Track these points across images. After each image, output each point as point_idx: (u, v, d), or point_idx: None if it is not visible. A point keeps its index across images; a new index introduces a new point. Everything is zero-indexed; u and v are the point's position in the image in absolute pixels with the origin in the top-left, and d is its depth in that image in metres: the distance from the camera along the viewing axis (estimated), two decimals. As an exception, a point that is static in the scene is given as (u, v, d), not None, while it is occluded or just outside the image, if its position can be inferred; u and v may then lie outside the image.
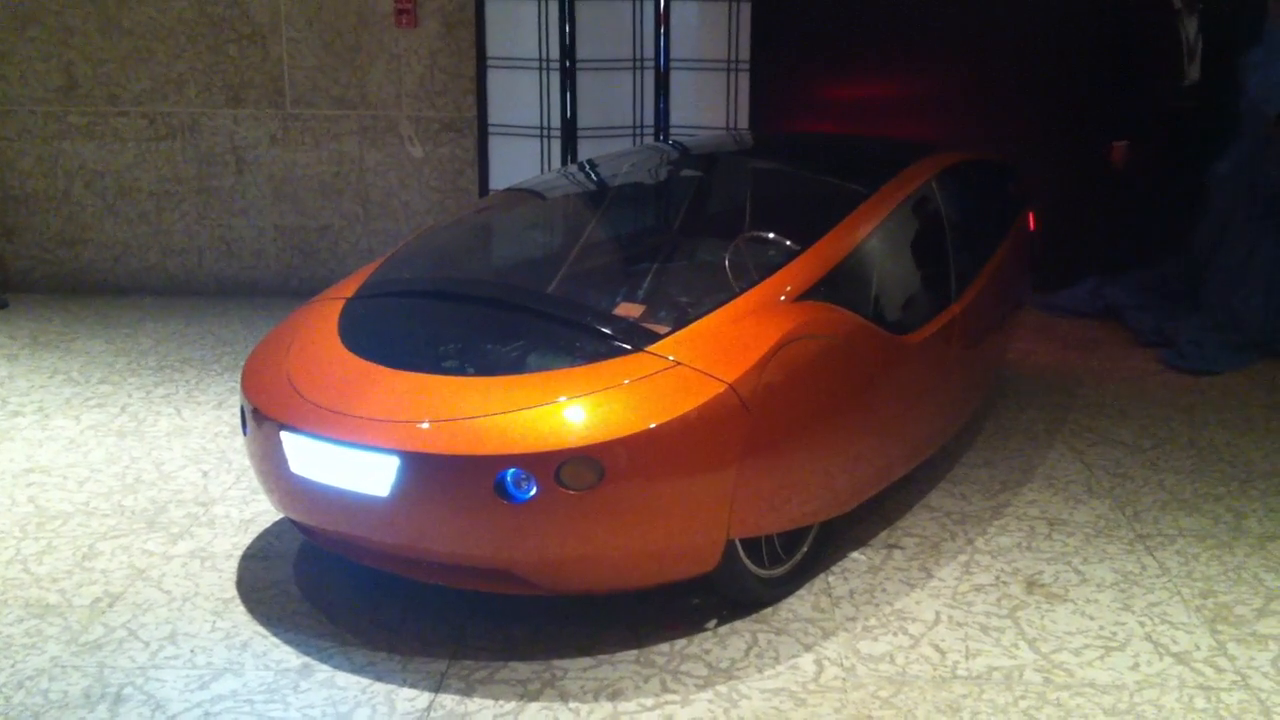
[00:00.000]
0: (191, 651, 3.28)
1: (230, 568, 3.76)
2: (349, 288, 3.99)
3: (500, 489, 3.03)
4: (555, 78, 6.52)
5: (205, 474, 4.51)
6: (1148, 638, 3.34)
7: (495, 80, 6.61)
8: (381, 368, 3.39)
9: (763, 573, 3.49)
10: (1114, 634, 3.36)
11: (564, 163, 6.53)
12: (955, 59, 7.07)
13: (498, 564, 3.17)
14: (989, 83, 7.05)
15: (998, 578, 3.68)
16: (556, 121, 6.57)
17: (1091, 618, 3.45)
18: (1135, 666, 3.20)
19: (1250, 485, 4.42)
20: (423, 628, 3.39)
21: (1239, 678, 3.15)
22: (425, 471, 3.10)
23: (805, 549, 3.64)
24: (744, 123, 6.59)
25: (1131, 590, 3.61)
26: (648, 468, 3.12)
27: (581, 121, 6.57)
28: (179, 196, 7.17)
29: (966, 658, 3.24)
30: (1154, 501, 4.27)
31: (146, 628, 3.40)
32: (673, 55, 6.58)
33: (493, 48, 6.56)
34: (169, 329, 6.46)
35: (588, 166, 5.31)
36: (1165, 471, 4.55)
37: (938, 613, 3.47)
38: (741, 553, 3.38)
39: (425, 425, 3.15)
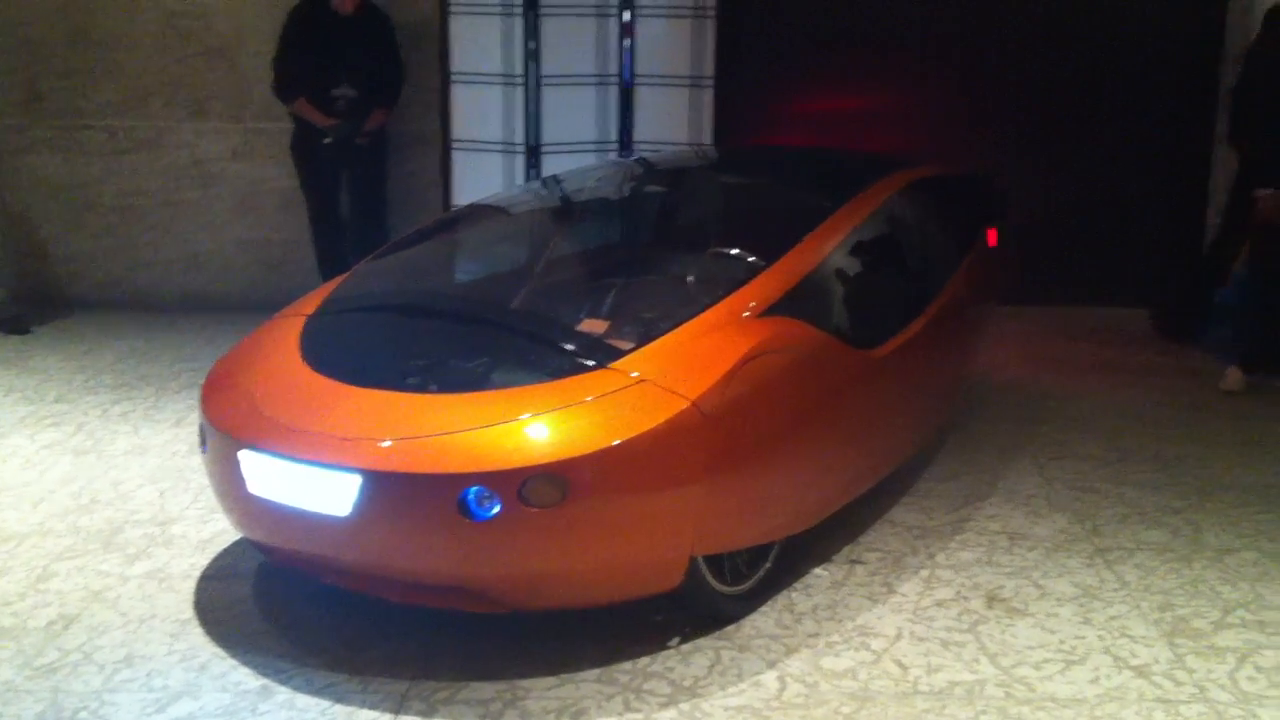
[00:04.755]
0: (148, 674, 3.24)
1: (188, 588, 3.72)
2: (311, 303, 3.97)
3: (463, 507, 3.02)
4: (520, 93, 6.53)
5: (163, 493, 4.46)
6: (1107, 651, 3.36)
7: (460, 96, 6.60)
8: (343, 385, 3.37)
9: (726, 589, 3.49)
10: (1074, 648, 3.38)
11: (528, 178, 6.52)
12: (922, 72, 7.13)
13: (461, 582, 3.15)
14: (959, 95, 7.11)
15: (959, 592, 3.69)
16: (521, 137, 6.57)
17: (1052, 632, 3.46)
18: (1095, 680, 3.22)
19: (1210, 498, 4.46)
20: (385, 647, 3.36)
21: (1197, 690, 3.17)
22: (388, 490, 3.08)
23: (769, 565, 3.65)
24: (709, 138, 6.62)
25: (1091, 604, 3.63)
26: (612, 485, 3.12)
27: (546, 137, 6.57)
28: (143, 210, 7.12)
29: (928, 673, 3.24)
30: (1114, 515, 4.30)
31: (102, 650, 3.36)
32: (638, 71, 6.61)
33: (457, 63, 6.56)
34: (128, 345, 6.40)
35: (553, 182, 5.31)
36: (1126, 485, 4.59)
37: (900, 628, 3.48)
38: (705, 569, 3.38)
39: (387, 443, 3.13)
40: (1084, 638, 3.43)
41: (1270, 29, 5.85)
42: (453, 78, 6.58)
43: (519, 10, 6.45)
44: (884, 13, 7.09)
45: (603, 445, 3.09)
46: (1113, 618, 3.55)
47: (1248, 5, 6.72)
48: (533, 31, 6.45)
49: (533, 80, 6.52)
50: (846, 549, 3.99)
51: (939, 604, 3.62)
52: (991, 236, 5.29)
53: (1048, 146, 7.12)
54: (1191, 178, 7.07)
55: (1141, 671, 3.26)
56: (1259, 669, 3.27)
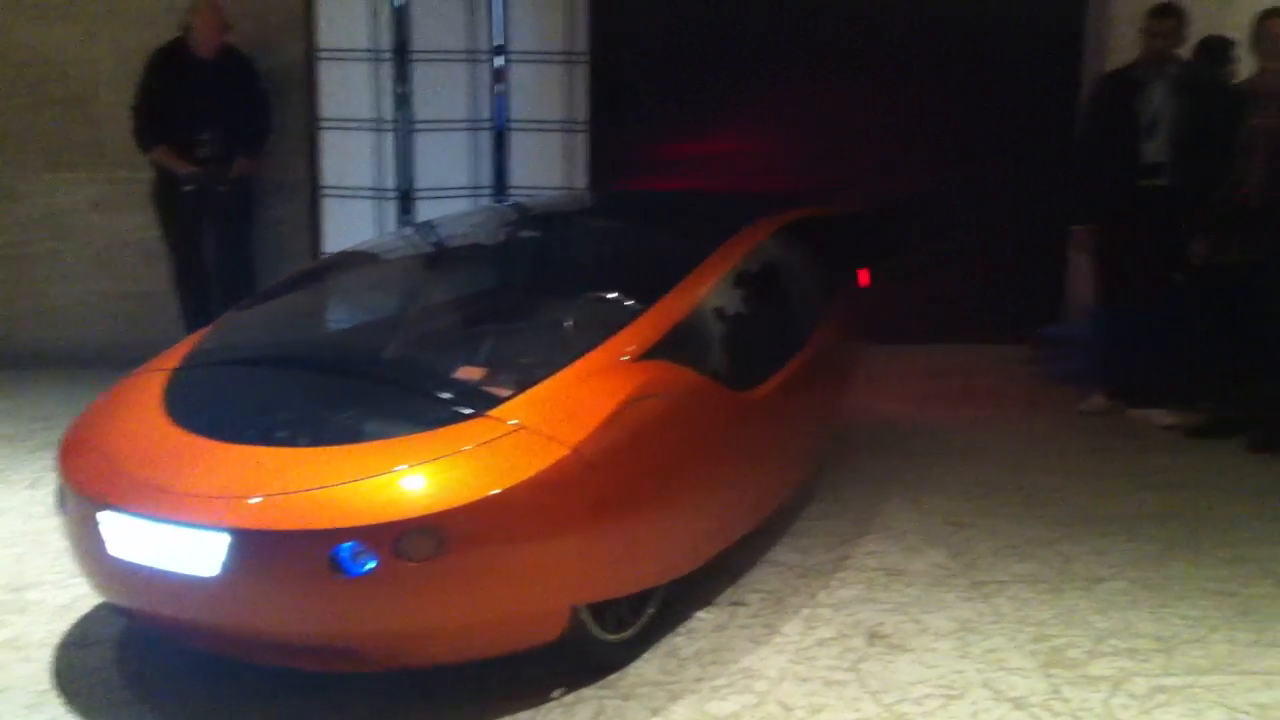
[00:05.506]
0: (4, 750, 3.08)
1: (45, 656, 3.55)
2: (175, 357, 3.84)
3: (337, 564, 2.93)
4: (391, 139, 6.46)
5: (19, 557, 4.26)
6: (986, 684, 3.40)
7: (329, 141, 6.51)
8: (209, 440, 3.26)
9: (609, 637, 3.45)
10: (953, 682, 3.41)
11: (401, 225, 6.45)
12: (800, 114, 7.25)
13: (336, 641, 3.06)
14: (836, 135, 7.25)
15: (840, 631, 3.71)
16: (392, 183, 6.50)
17: (932, 667, 3.50)
18: (974, 714, 3.25)
19: (1077, 529, 4.57)
20: (256, 713, 3.24)
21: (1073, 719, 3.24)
22: (258, 548, 2.98)
23: (652, 610, 3.62)
24: (585, 182, 6.63)
25: (969, 638, 3.68)
26: (490, 535, 3.06)
27: (419, 183, 6.51)
28: (-5, 264, 6.85)
29: (812, 713, 3.24)
30: (988, 548, 4.38)
31: (-46, 726, 3.18)
32: (511, 116, 6.59)
33: (326, 108, 6.47)
34: (-19, 403, 6.14)
35: (426, 228, 5.25)
36: (999, 518, 4.68)
37: (783, 669, 3.48)
38: (588, 618, 3.34)
39: (257, 500, 3.03)
40: (963, 671, 3.47)
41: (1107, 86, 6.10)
42: (321, 123, 6.48)
43: (388, 55, 6.40)
44: (760, 56, 7.20)
45: (480, 495, 3.03)
46: (990, 650, 3.60)
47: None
48: (402, 76, 6.40)
49: (404, 125, 6.46)
50: (728, 591, 3.98)
51: (821, 643, 3.63)
52: (863, 276, 5.38)
53: (928, 182, 7.28)
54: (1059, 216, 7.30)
55: (1019, 703, 3.31)
56: (1131, 696, 3.34)
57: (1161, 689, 3.38)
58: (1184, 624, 3.78)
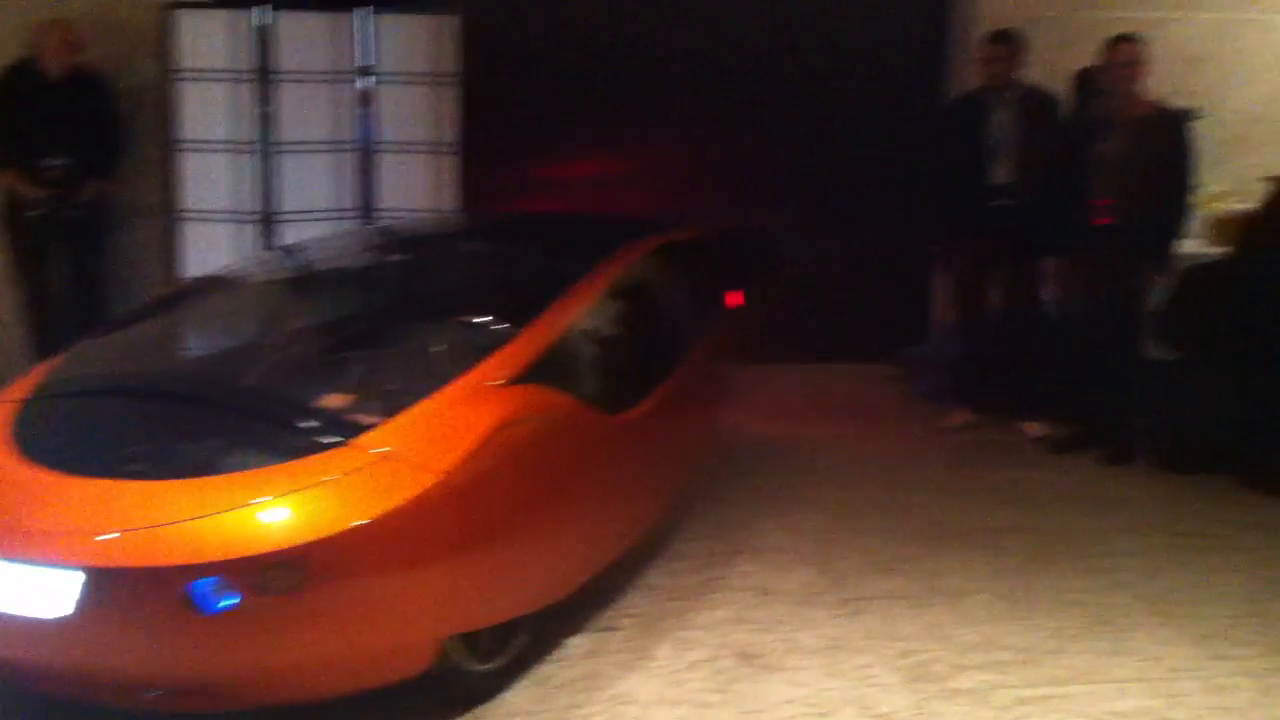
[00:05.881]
0: None
1: (-115, 706, 3.37)
2: (23, 388, 3.69)
3: (196, 600, 2.84)
4: (253, 160, 6.33)
5: None
6: (855, 701, 3.45)
7: (188, 163, 6.33)
8: (61, 475, 3.14)
9: (479, 667, 3.41)
10: (823, 701, 3.45)
11: (263, 249, 6.31)
12: (675, 135, 7.30)
13: (196, 680, 2.96)
14: (712, 157, 7.31)
15: (713, 652, 3.73)
16: (255, 205, 6.36)
17: (802, 685, 3.53)
18: (845, 731, 3.30)
19: (943, 544, 4.67)
20: (113, 756, 3.12)
21: (939, 734, 3.30)
22: (113, 587, 2.87)
23: (523, 639, 3.59)
24: (455, 205, 6.57)
25: (838, 655, 3.73)
26: (356, 567, 3.00)
27: (282, 206, 6.38)
28: None
29: (686, 737, 3.25)
30: (856, 565, 4.45)
31: None
32: (379, 138, 6.51)
33: (185, 129, 6.30)
34: None
35: (290, 251, 5.15)
36: (867, 534, 4.76)
37: (656, 693, 3.48)
38: (457, 648, 3.30)
39: (111, 536, 2.93)
40: (832, 689, 3.51)
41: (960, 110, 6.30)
42: (180, 145, 6.31)
43: (249, 76, 6.27)
44: (633, 80, 7.23)
45: (344, 526, 2.97)
46: (859, 667, 3.65)
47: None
48: (265, 97, 6.27)
49: (266, 147, 6.33)
50: (601, 616, 3.97)
51: (693, 665, 3.64)
52: (736, 297, 5.44)
53: (794, 205, 7.38)
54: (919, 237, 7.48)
55: (887, 719, 3.36)
56: (995, 708, 3.42)
57: (1023, 700, 3.46)
58: (1044, 636, 3.88)
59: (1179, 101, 5.93)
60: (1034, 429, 6.13)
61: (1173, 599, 4.17)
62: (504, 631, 3.51)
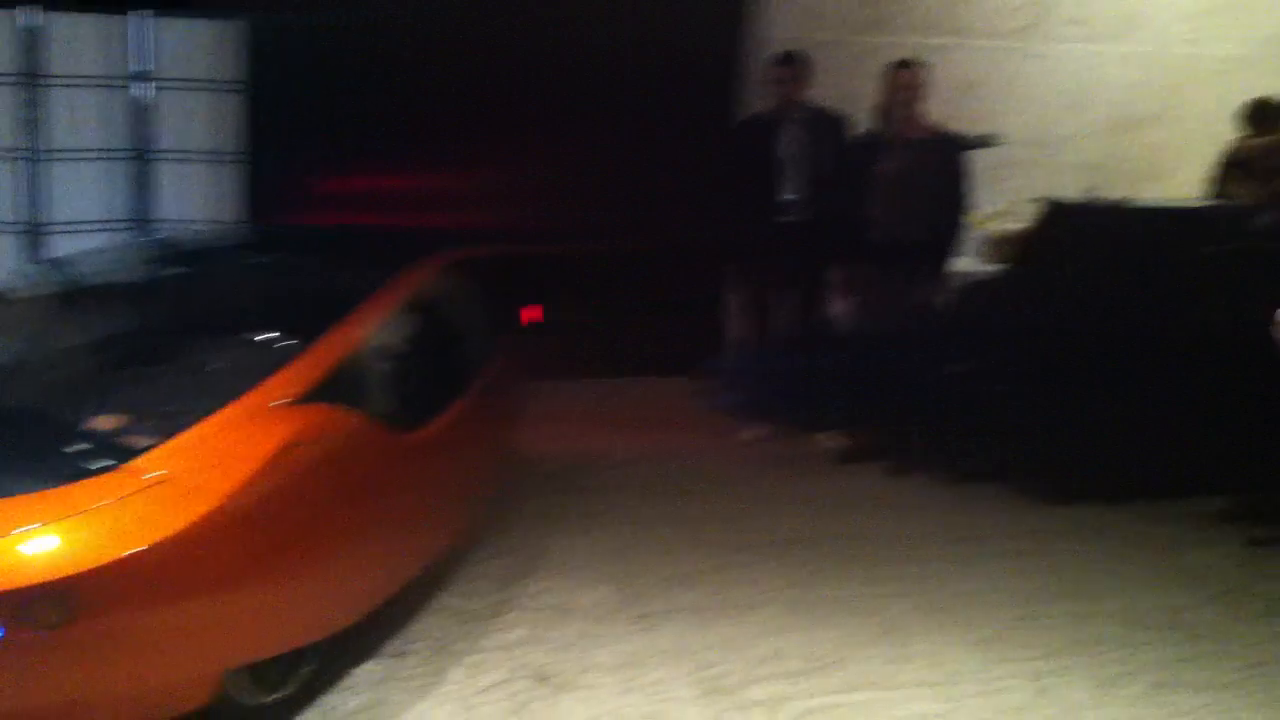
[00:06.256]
0: None
1: None
2: None
3: (-49, 637, 2.65)
4: (19, 168, 5.97)
5: None
6: (650, 717, 3.46)
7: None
8: None
9: (264, 698, 3.28)
10: (618, 718, 3.45)
11: (32, 261, 5.95)
12: (472, 147, 7.21)
13: (-46, 723, 2.76)
14: (509, 171, 7.24)
15: (507, 674, 3.67)
16: (22, 216, 6.00)
17: (598, 704, 3.52)
18: (640, 748, 3.30)
19: (738, 556, 4.73)
20: None
21: (733, 746, 3.33)
22: None
23: (310, 668, 3.46)
24: (241, 216, 6.35)
25: (634, 671, 3.73)
26: (128, 599, 2.85)
27: (52, 216, 6.04)
28: None
29: (479, 762, 3.20)
30: (653, 579, 4.47)
31: None
32: (159, 146, 6.24)
33: (-58, 133, 5.92)
34: None
35: (61, 265, 4.87)
36: (663, 549, 4.78)
37: (447, 719, 3.41)
38: (240, 679, 3.16)
39: None
40: (628, 706, 3.51)
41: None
42: (-63, 151, 5.93)
43: (14, 79, 5.92)
44: (430, 86, 7.12)
45: (115, 556, 2.82)
46: (654, 683, 3.66)
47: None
48: (33, 101, 5.93)
49: (35, 154, 5.98)
50: (392, 641, 3.86)
51: (486, 689, 3.58)
52: (533, 313, 5.41)
53: (591, 219, 7.39)
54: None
55: (682, 733, 3.38)
56: (787, 718, 3.48)
57: (811, 710, 3.53)
58: (833, 644, 3.97)
59: (958, 125, 6.21)
60: (826, 441, 6.29)
61: (954, 604, 4.33)
62: (290, 661, 3.38)
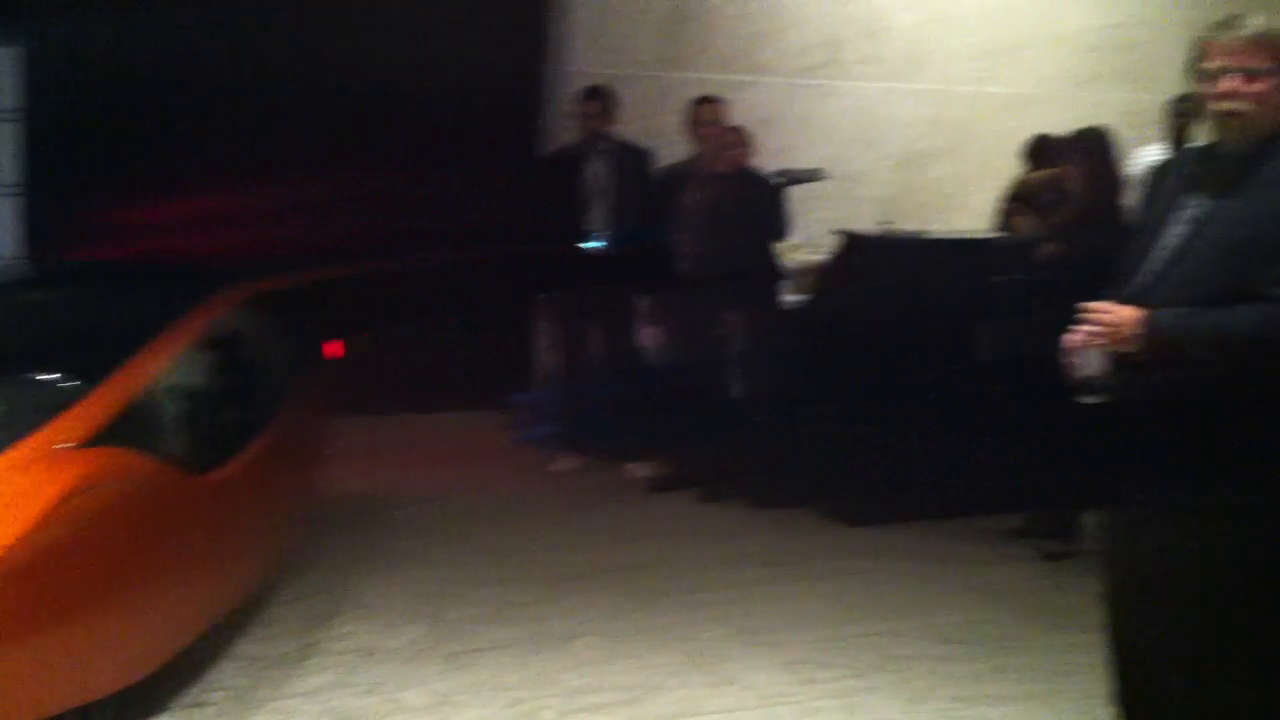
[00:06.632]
0: None
1: None
2: None
3: None
4: None
5: None
6: (464, 758, 3.38)
7: None
8: None
9: (47, 761, 3.07)
10: (430, 760, 3.37)
11: None
12: (268, 178, 6.98)
13: None
14: (310, 202, 7.04)
15: (313, 721, 3.55)
16: None
17: (409, 747, 3.43)
18: (452, 790, 3.21)
19: (551, 589, 4.69)
20: None
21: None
22: None
23: (99, 725, 3.27)
24: (19, 251, 6.01)
25: (445, 711, 3.64)
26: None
27: None
28: None
29: (281, 815, 3.06)
30: (465, 616, 4.39)
31: None
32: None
33: None
34: None
35: None
36: (475, 585, 4.71)
37: (251, 771, 3.27)
38: (17, 744, 2.95)
39: None
40: (438, 748, 3.43)
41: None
42: None
43: None
44: (223, 112, 6.89)
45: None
46: (466, 721, 3.59)
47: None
48: None
49: None
50: (189, 691, 3.67)
51: (290, 738, 3.45)
52: (336, 348, 5.28)
53: (395, 251, 7.25)
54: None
55: (497, 773, 3.31)
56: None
57: (628, 740, 3.52)
58: (648, 673, 3.96)
59: (757, 160, 6.35)
60: (637, 470, 6.31)
61: (765, 627, 4.37)
62: (78, 717, 3.18)
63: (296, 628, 4.23)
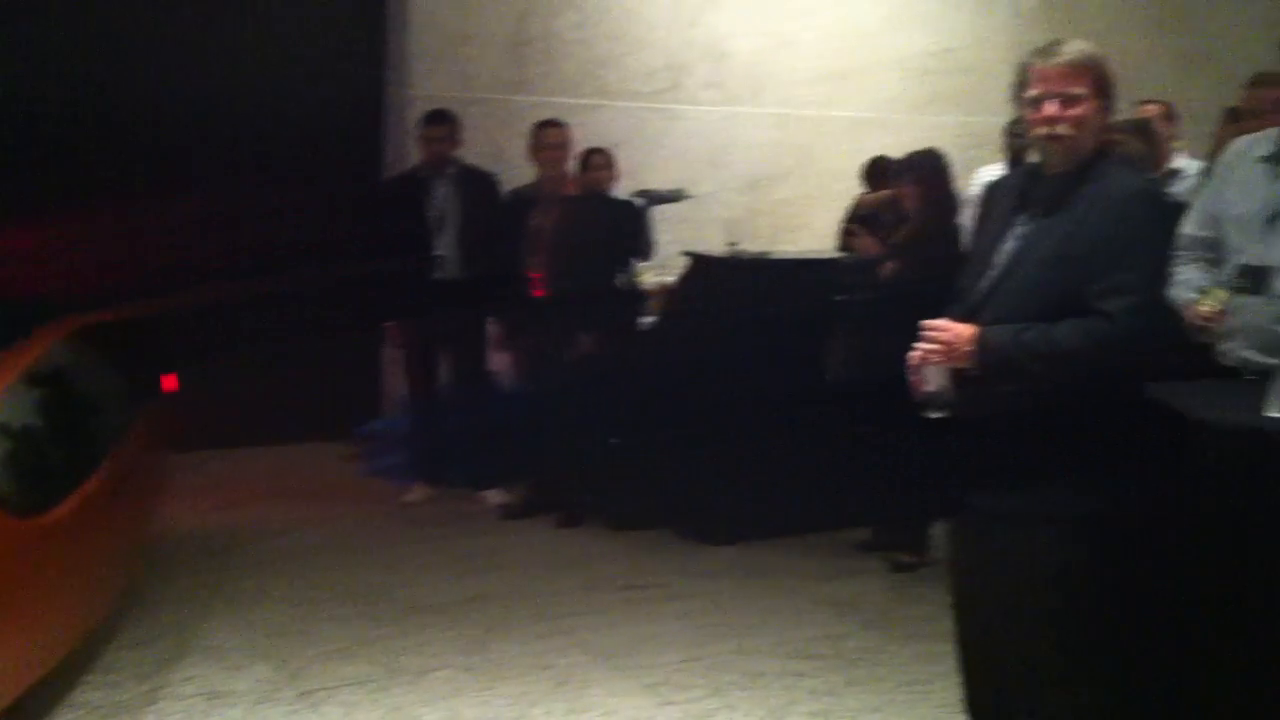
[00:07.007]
0: None
1: None
2: None
3: None
4: None
5: None
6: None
7: None
8: None
9: None
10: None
11: None
12: (107, 206, 6.70)
13: None
14: (149, 230, 6.78)
15: (155, 772, 3.40)
16: None
17: (258, 793, 3.30)
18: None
19: (404, 622, 4.58)
20: None
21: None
22: None
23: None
24: None
25: (297, 754, 3.53)
26: None
27: None
28: None
29: None
30: (315, 654, 4.26)
31: None
32: None
33: None
34: None
35: None
36: (325, 621, 4.58)
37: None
38: None
39: None
40: (292, 792, 3.31)
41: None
42: None
43: None
44: (56, 140, 6.61)
45: None
46: (319, 764, 3.48)
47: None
48: None
49: None
50: (21, 748, 3.50)
51: (131, 790, 3.29)
52: (170, 381, 5.09)
53: (238, 280, 7.04)
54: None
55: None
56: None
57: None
58: (507, 704, 3.90)
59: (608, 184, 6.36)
60: (492, 498, 6.24)
61: (625, 651, 4.35)
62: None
63: (139, 673, 4.04)
